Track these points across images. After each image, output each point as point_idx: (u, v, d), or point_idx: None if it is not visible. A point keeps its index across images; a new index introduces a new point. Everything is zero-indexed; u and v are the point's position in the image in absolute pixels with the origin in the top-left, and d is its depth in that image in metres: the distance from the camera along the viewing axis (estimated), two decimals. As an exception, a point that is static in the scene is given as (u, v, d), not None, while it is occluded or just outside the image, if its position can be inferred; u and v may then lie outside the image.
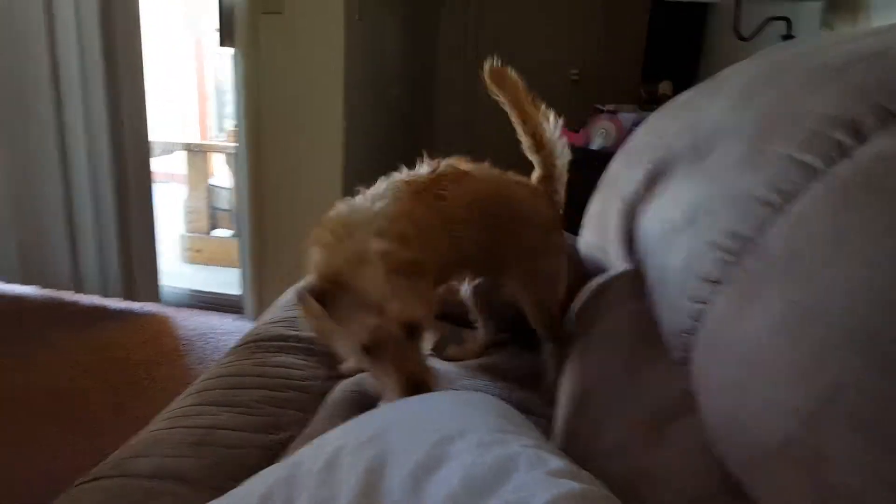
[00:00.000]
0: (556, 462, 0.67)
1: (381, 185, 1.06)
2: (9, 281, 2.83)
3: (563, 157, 1.28)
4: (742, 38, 1.59)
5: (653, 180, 1.06)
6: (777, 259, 0.60)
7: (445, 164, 1.12)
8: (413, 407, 0.84)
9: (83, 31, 2.46)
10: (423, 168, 1.10)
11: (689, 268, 0.77)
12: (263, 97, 2.53)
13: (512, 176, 1.22)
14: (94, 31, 2.45)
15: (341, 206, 1.03)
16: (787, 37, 1.62)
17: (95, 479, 0.94)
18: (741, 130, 0.79)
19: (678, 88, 2.18)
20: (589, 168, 1.93)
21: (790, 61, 0.87)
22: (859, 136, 0.58)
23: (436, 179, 1.08)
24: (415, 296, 0.90)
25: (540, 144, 1.26)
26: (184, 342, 2.52)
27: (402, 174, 1.09)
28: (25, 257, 2.78)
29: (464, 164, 1.14)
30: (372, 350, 0.90)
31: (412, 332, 0.90)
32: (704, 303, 0.72)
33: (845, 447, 0.48)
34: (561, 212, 1.32)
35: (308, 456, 0.77)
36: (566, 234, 1.58)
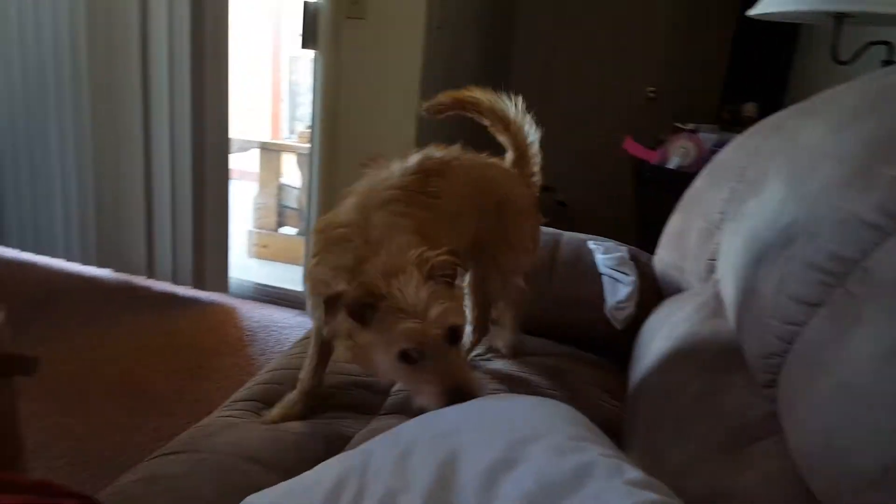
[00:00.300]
0: (635, 473, 0.67)
1: (373, 190, 1.03)
2: (86, 263, 2.96)
3: (531, 135, 1.28)
4: (840, 62, 1.54)
5: (741, 200, 1.04)
6: (884, 282, 0.59)
7: (424, 156, 1.10)
8: (487, 407, 0.84)
9: (174, 30, 2.57)
10: (406, 164, 1.08)
11: (782, 289, 0.75)
12: (340, 100, 2.59)
13: (488, 159, 1.23)
14: (184, 30, 2.56)
15: (347, 215, 1.00)
16: (888, 62, 1.56)
17: (172, 452, 0.98)
18: (845, 153, 0.77)
19: (764, 110, 2.13)
20: (664, 187, 1.90)
21: (894, 86, 0.84)
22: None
23: (424, 177, 1.06)
24: (453, 300, 0.90)
25: (506, 126, 1.26)
26: (247, 333, 2.59)
27: (387, 174, 1.06)
28: (103, 242, 2.91)
29: (441, 153, 1.14)
30: (412, 358, 0.88)
31: (454, 337, 0.89)
32: (798, 325, 0.70)
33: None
34: (537, 193, 1.31)
35: (380, 446, 0.79)
36: (645, 254, 1.57)
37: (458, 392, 0.85)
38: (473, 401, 0.88)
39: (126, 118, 2.73)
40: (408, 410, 1.12)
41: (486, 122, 1.27)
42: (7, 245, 3.07)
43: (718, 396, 0.87)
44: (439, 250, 0.91)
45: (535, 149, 1.28)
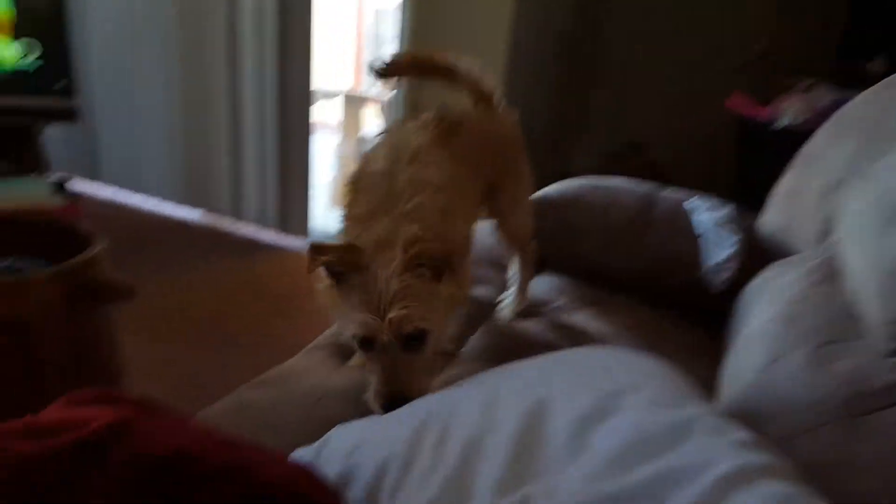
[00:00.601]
0: (741, 433, 0.62)
1: (405, 135, 1.07)
2: (177, 203, 3.09)
3: (486, 78, 1.30)
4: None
5: (871, 158, 0.95)
6: None
7: (442, 112, 1.15)
8: (579, 358, 0.81)
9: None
10: (427, 119, 1.12)
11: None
12: (425, 48, 2.55)
13: (490, 111, 1.27)
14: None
15: (378, 163, 1.03)
16: None
17: (260, 385, 1.02)
18: None
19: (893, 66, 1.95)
20: (771, 146, 1.79)
21: None
22: None
23: (446, 131, 1.09)
24: (427, 302, 0.87)
25: (468, 84, 1.28)
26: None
27: (412, 127, 1.10)
28: (194, 185, 3.02)
29: (455, 110, 1.19)
30: (363, 346, 0.88)
31: (411, 340, 0.87)
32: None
33: None
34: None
35: (464, 392, 0.77)
36: (750, 213, 1.49)
37: (394, 400, 0.83)
38: (564, 351, 0.84)
39: (214, 66, 2.80)
40: (487, 358, 1.11)
41: (443, 81, 1.30)
42: (103, 184, 3.23)
43: (834, 364, 0.81)
44: (435, 238, 0.89)
45: (492, 87, 1.31)
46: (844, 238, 0.95)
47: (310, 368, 1.08)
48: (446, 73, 1.28)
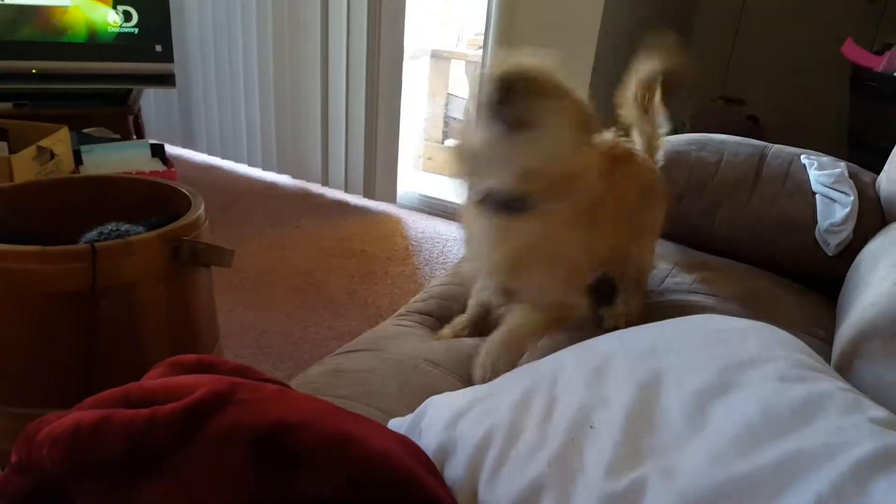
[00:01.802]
0: (878, 410, 0.56)
1: None
2: (266, 169, 3.15)
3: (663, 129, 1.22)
4: None
5: None
6: None
7: (613, 140, 1.07)
8: (694, 327, 0.76)
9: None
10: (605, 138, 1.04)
11: None
12: (516, 4, 2.46)
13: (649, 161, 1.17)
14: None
15: None
16: None
17: (357, 350, 1.01)
18: None
19: None
20: (889, 98, 1.63)
21: None
22: None
23: (615, 160, 1.03)
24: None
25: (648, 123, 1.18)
26: (413, 243, 2.64)
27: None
28: (282, 149, 3.07)
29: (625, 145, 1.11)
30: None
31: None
32: None
33: None
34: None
35: (572, 359, 0.73)
36: (868, 173, 1.38)
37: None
38: (678, 319, 0.79)
39: (304, 34, 2.81)
40: (587, 326, 1.07)
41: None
42: (196, 150, 3.34)
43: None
44: None
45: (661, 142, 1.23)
46: None
47: (404, 333, 1.07)
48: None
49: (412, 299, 1.23)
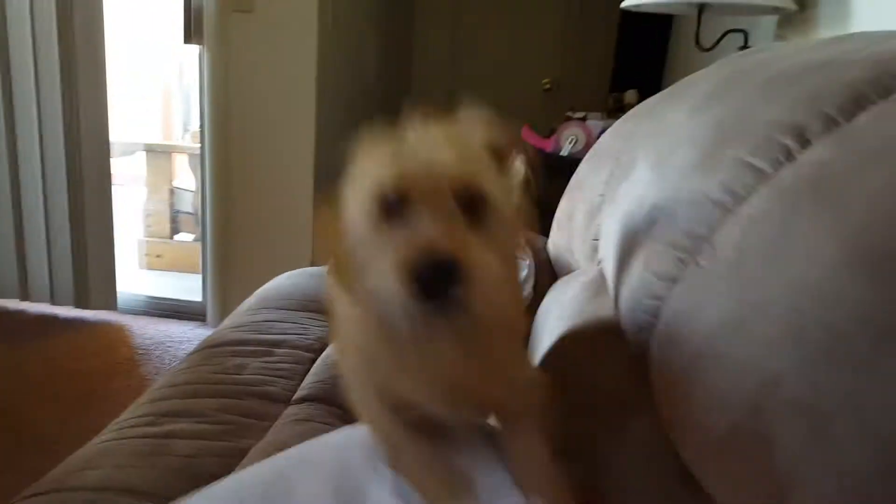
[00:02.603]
0: None
1: None
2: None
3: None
4: (703, 49, 1.65)
5: (617, 183, 1.09)
6: (727, 257, 0.63)
7: None
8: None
9: (39, 29, 2.40)
10: None
11: (648, 266, 0.79)
12: (230, 96, 2.52)
13: None
14: (50, 24, 2.39)
15: None
16: (744, 48, 1.69)
17: (35, 494, 0.91)
18: (699, 136, 0.82)
19: (644, 97, 2.24)
20: (558, 173, 1.97)
21: (747, 71, 0.91)
22: (803, 141, 0.61)
23: None
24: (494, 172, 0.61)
25: None
26: (140, 351, 2.45)
27: None
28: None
29: None
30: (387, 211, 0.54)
31: (472, 205, 0.56)
32: (661, 300, 0.74)
33: (788, 432, 0.51)
34: None
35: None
36: (540, 237, 1.62)
37: (439, 263, 0.50)
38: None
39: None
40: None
41: None
42: None
43: (601, 374, 0.91)
44: None
45: None
46: (603, 257, 1.08)
47: (100, 455, 0.98)
48: None
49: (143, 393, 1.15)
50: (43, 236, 2.60)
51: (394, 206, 0.54)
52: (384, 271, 0.50)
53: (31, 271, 2.65)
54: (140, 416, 1.09)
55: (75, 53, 2.43)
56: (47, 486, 0.91)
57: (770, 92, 0.76)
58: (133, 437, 1.03)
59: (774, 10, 1.62)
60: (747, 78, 0.87)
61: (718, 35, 1.68)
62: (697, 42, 1.64)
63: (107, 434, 1.06)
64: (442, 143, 0.57)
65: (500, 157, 0.64)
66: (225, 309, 2.65)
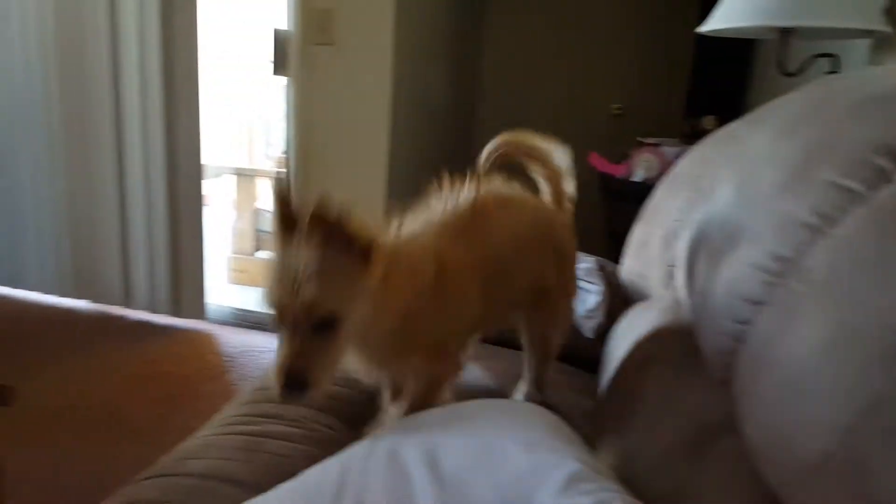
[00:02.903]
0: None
1: (419, 218, 0.99)
2: (61, 295, 2.93)
3: (570, 187, 1.23)
4: (787, 75, 1.61)
5: (695, 208, 1.08)
6: (820, 279, 0.62)
7: (485, 190, 1.03)
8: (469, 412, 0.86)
9: (145, 57, 2.59)
10: (464, 195, 1.01)
11: (732, 290, 0.78)
12: (313, 125, 2.62)
13: (543, 202, 1.19)
14: (154, 57, 2.57)
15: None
16: (831, 73, 1.64)
17: (149, 477, 0.98)
18: (786, 159, 0.81)
19: (722, 123, 2.20)
20: (630, 198, 1.95)
21: (835, 94, 0.89)
22: (902, 162, 0.60)
23: (478, 211, 0.99)
24: (345, 287, 0.79)
25: (550, 173, 1.21)
26: (226, 359, 2.57)
27: (442, 205, 1.00)
28: (79, 273, 2.88)
29: (503, 189, 1.08)
30: (275, 322, 0.79)
31: (321, 324, 0.78)
32: (747, 323, 0.73)
33: (885, 459, 0.49)
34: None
35: (361, 453, 0.79)
36: (611, 263, 1.61)
37: (294, 380, 0.78)
38: (458, 405, 0.89)
39: (98, 148, 2.73)
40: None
41: (534, 166, 1.22)
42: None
43: (681, 397, 0.90)
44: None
45: (570, 195, 1.22)
46: (680, 281, 1.07)
47: (204, 449, 1.05)
48: (540, 158, 1.20)
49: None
50: (144, 251, 2.79)
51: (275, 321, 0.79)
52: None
53: (133, 282, 2.85)
54: (238, 416, 1.15)
55: (175, 86, 2.61)
56: (158, 472, 0.98)
57: (862, 113, 0.74)
58: (232, 434, 1.08)
59: (866, 33, 1.55)
60: (837, 100, 0.85)
61: (804, 60, 1.63)
62: (781, 67, 1.60)
63: (208, 430, 1.12)
64: (305, 276, 0.76)
65: (363, 253, 0.81)
66: (301, 324, 2.73)
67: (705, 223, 0.97)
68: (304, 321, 0.77)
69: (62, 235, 2.85)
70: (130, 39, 2.58)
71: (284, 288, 0.77)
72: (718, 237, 0.88)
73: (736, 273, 0.78)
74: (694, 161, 1.26)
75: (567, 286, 1.20)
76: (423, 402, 0.97)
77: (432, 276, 0.90)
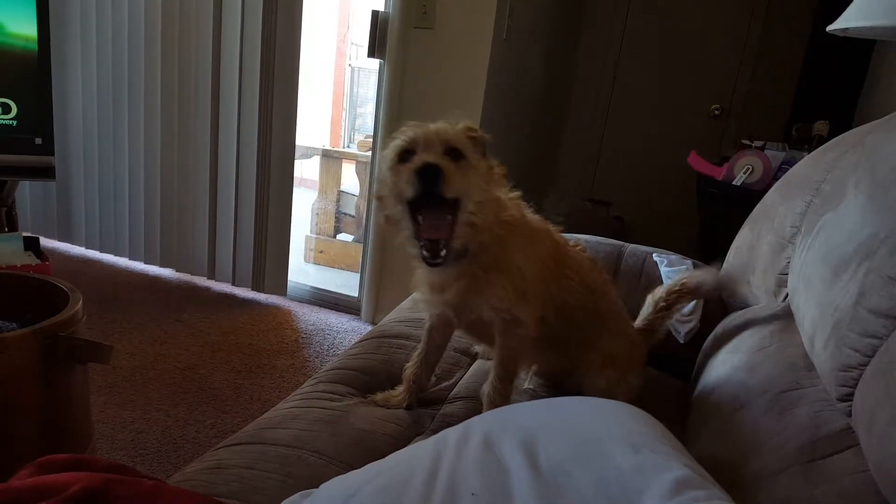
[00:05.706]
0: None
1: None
2: (148, 263, 3.08)
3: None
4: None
5: (817, 214, 1.01)
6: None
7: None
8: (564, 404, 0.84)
9: (246, 39, 2.67)
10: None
11: (861, 302, 0.73)
12: (403, 109, 2.62)
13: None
14: (256, 40, 2.65)
15: None
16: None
17: (238, 443, 1.00)
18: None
19: (835, 128, 2.07)
20: (729, 202, 1.87)
21: None
22: None
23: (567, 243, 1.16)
24: (472, 159, 0.96)
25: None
26: (303, 335, 2.63)
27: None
28: (167, 243, 3.02)
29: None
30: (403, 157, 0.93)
31: (454, 153, 0.93)
32: (879, 338, 0.68)
33: None
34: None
35: (455, 437, 0.78)
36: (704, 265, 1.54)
37: (430, 169, 0.89)
38: (554, 399, 0.87)
39: (195, 125, 2.84)
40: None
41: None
42: (74, 243, 3.22)
43: (792, 409, 0.85)
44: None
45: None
46: (796, 290, 1.00)
47: (290, 419, 1.07)
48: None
49: (320, 371, 1.22)
50: (232, 227, 2.90)
51: (405, 156, 0.94)
52: (398, 180, 0.92)
53: (219, 256, 2.97)
54: (321, 391, 1.17)
55: (273, 70, 2.68)
56: (247, 438, 1.00)
57: None
58: (316, 408, 1.10)
59: None
60: None
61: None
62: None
63: (291, 402, 1.14)
64: (436, 125, 0.96)
65: (473, 140, 0.99)
66: (377, 306, 2.79)
67: (831, 230, 0.90)
68: (438, 145, 0.93)
69: (154, 207, 2.99)
70: (234, 18, 2.65)
71: (427, 131, 0.94)
72: (847, 246, 0.82)
73: (868, 285, 0.73)
74: (815, 165, 1.18)
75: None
76: (506, 369, 1.07)
77: (541, 236, 1.08)
